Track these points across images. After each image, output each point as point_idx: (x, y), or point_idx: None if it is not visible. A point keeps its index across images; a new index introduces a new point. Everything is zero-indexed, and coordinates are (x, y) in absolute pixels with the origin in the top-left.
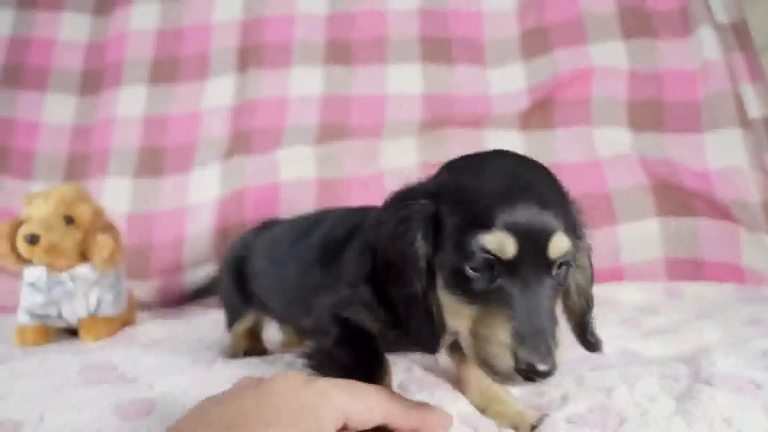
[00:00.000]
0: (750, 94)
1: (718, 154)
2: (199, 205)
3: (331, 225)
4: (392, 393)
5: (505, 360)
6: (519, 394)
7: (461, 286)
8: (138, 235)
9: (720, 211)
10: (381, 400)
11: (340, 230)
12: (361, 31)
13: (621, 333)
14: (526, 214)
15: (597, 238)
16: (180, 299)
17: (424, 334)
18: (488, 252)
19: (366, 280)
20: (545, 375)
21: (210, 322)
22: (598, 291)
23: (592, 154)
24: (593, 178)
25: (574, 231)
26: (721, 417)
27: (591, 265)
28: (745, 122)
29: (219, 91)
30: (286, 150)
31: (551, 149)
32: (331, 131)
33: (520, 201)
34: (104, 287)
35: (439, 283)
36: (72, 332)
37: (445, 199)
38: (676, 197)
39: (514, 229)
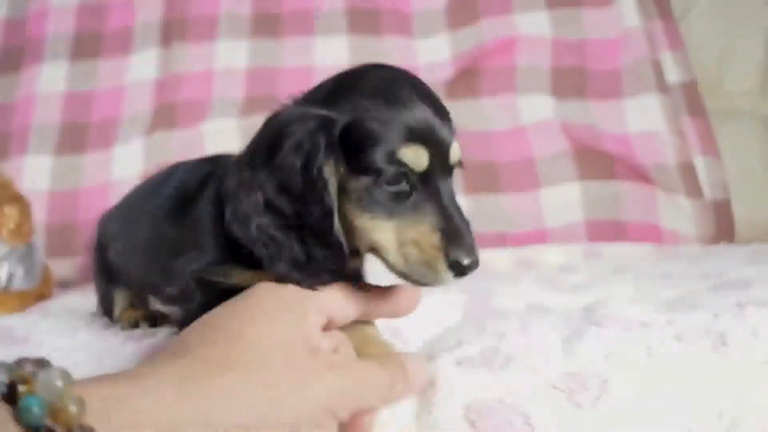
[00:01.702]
0: (668, 61)
1: (638, 119)
2: (123, 180)
3: (182, 176)
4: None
5: (440, 262)
6: (424, 343)
7: (377, 202)
8: (60, 213)
9: (639, 174)
10: (355, 298)
11: (192, 180)
12: (288, 3)
13: (535, 290)
14: (433, 126)
15: (521, 202)
16: None
17: (332, 261)
18: (404, 165)
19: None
20: (473, 268)
21: None
22: (522, 253)
23: (516, 121)
24: (518, 144)
25: None
26: (602, 352)
27: None
28: (663, 88)
29: (143, 66)
30: (212, 123)
31: (477, 118)
32: (257, 103)
33: (426, 114)
34: (14, 261)
35: (353, 206)
36: None
37: (355, 117)
38: (597, 161)
39: (426, 141)
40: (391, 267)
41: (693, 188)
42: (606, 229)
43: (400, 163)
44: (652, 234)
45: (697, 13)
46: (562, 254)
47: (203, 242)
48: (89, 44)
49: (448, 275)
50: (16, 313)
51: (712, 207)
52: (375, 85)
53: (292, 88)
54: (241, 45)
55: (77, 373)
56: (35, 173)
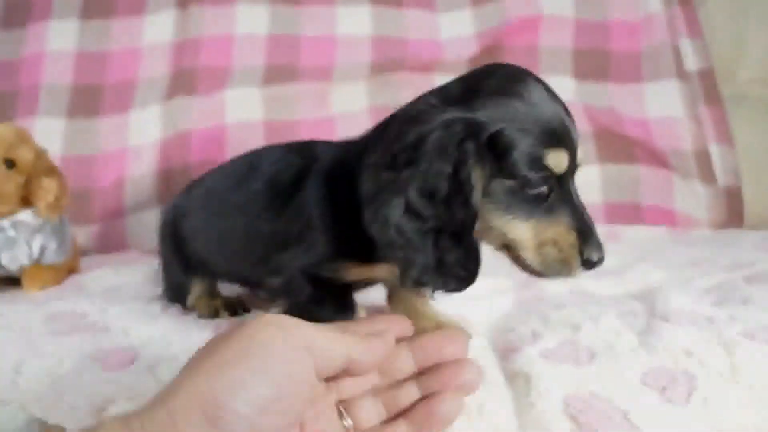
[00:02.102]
0: (687, 48)
1: (657, 104)
2: (140, 146)
3: (270, 169)
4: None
5: (575, 258)
6: (489, 330)
7: (518, 204)
8: (75, 179)
9: (657, 158)
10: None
11: (284, 174)
12: None
13: None
14: (569, 128)
15: None
16: (121, 244)
17: (466, 265)
18: (548, 169)
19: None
20: (601, 263)
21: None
22: None
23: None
24: None
25: None
26: (682, 349)
27: None
28: (682, 74)
29: (159, 28)
30: (233, 91)
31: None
32: (279, 72)
33: (562, 116)
34: (48, 234)
35: (493, 207)
36: (12, 281)
37: (500, 124)
38: (617, 144)
39: (566, 145)
40: (526, 264)
41: (707, 174)
42: (623, 212)
43: (545, 168)
44: (666, 217)
45: (715, 1)
46: None
47: (312, 237)
48: (100, 3)
49: (579, 270)
50: (49, 287)
51: (725, 193)
52: (510, 87)
53: (314, 57)
54: (261, 11)
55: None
56: (46, 136)
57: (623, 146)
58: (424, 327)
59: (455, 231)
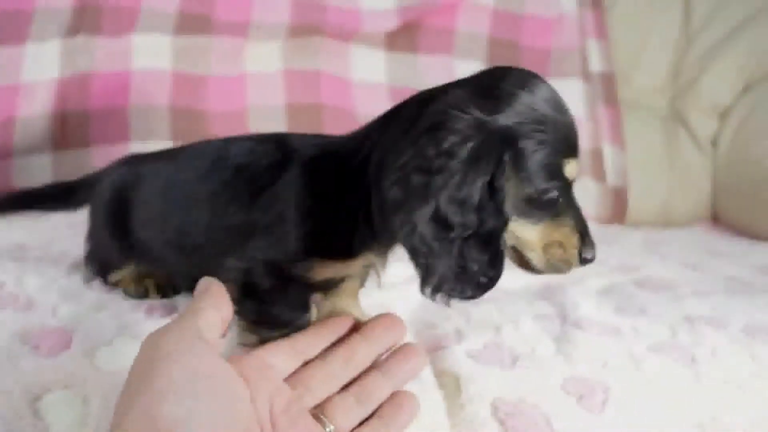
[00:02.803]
0: (593, 49)
1: None
2: (35, 83)
3: (240, 160)
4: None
5: (575, 258)
6: (416, 329)
7: (532, 209)
8: None
9: None
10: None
11: (256, 166)
12: None
13: None
14: (578, 136)
15: None
16: (7, 187)
17: (491, 272)
18: (564, 177)
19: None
20: (594, 260)
21: (63, 224)
22: None
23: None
24: None
25: None
26: (596, 360)
27: None
28: (586, 75)
29: None
30: (142, 36)
31: (414, 74)
32: (192, 22)
33: (574, 125)
34: None
35: (507, 211)
36: None
37: (517, 132)
38: None
39: (577, 155)
40: (526, 263)
41: (599, 173)
42: None
43: (561, 177)
44: None
45: (622, 6)
46: None
47: (283, 231)
48: None
49: (572, 268)
50: None
51: (613, 192)
52: (527, 94)
53: (230, 11)
54: None
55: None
56: None
57: None
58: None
59: (484, 239)
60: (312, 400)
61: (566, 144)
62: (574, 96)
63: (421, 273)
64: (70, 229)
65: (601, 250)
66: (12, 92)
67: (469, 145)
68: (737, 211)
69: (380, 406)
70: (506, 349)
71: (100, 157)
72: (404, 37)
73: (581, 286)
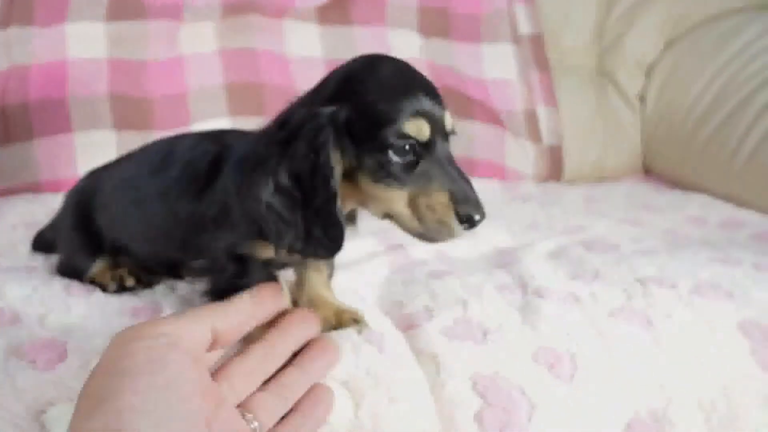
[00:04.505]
0: (521, 13)
1: (494, 66)
2: None
3: (185, 157)
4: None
5: (452, 218)
6: (385, 308)
7: (390, 175)
8: None
9: (492, 117)
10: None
11: (199, 162)
12: None
13: None
14: (427, 100)
15: None
16: None
17: (332, 237)
18: (409, 137)
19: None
20: (482, 220)
21: (20, 224)
22: None
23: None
24: None
25: None
26: (561, 329)
27: None
28: (516, 39)
29: None
30: (75, 24)
31: (348, 46)
32: (124, 8)
33: (419, 91)
34: None
35: (367, 180)
36: None
37: (353, 104)
38: (457, 101)
39: (424, 114)
40: (408, 230)
41: (534, 134)
42: (460, 165)
43: (406, 136)
44: (497, 171)
45: None
46: None
47: (231, 220)
48: None
49: (460, 229)
50: None
51: (548, 151)
52: (368, 70)
53: None
54: None
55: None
56: None
57: (463, 103)
58: (324, 316)
59: (319, 207)
60: (235, 397)
61: (405, 105)
62: (506, 60)
63: (272, 237)
64: (28, 229)
65: (543, 211)
66: None
67: (301, 130)
68: (667, 164)
69: (299, 401)
70: (475, 324)
71: (44, 150)
72: (337, 10)
73: (531, 250)
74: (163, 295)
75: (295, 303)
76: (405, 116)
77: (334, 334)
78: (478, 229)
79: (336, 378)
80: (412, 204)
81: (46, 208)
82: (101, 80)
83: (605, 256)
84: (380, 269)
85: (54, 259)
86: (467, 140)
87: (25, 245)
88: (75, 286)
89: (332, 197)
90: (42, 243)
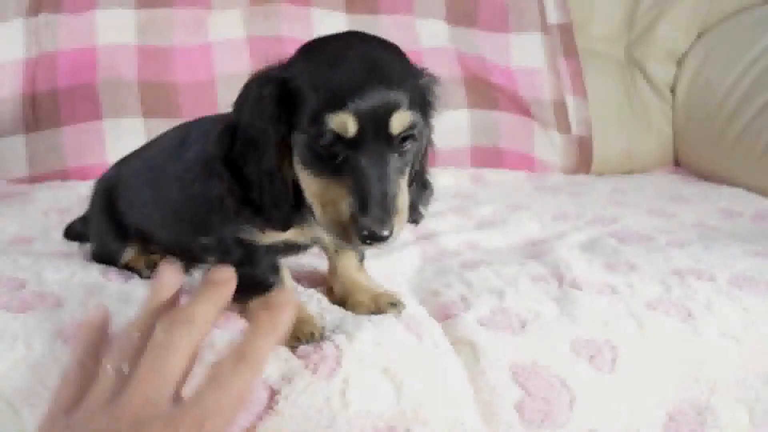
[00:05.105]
0: (550, 2)
1: (522, 55)
2: (1, 65)
3: (204, 138)
4: None
5: (350, 225)
6: (421, 296)
7: (314, 161)
8: None
9: (520, 106)
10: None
11: (210, 144)
12: None
13: (457, 223)
14: (367, 94)
15: None
16: None
17: (278, 208)
18: (333, 131)
19: (223, 162)
20: (382, 239)
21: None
22: None
23: (414, 43)
24: None
25: (421, 108)
26: (599, 320)
27: (426, 143)
28: (545, 27)
29: None
30: (105, 11)
31: (376, 34)
32: None
33: (363, 82)
34: None
35: (296, 159)
36: None
37: (298, 80)
38: (483, 91)
39: (354, 110)
40: (319, 223)
41: (563, 124)
42: (487, 156)
43: (326, 127)
44: (525, 162)
45: None
46: (451, 177)
47: (232, 204)
48: None
49: (357, 241)
50: None
51: (577, 141)
52: (327, 49)
53: None
54: None
55: None
56: None
57: (489, 93)
58: (361, 300)
59: (268, 175)
60: None
61: (335, 96)
62: (534, 49)
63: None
64: (60, 215)
65: (572, 202)
66: None
67: (249, 94)
68: (697, 156)
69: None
70: (513, 314)
71: (73, 136)
72: None
73: (563, 241)
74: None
75: (331, 290)
76: (331, 107)
77: (375, 319)
78: (386, 246)
79: (377, 365)
80: (322, 197)
81: (75, 195)
82: (130, 67)
83: (639, 248)
84: (412, 258)
85: (87, 247)
86: (494, 130)
87: (58, 231)
88: (112, 271)
89: (273, 167)
90: (73, 234)
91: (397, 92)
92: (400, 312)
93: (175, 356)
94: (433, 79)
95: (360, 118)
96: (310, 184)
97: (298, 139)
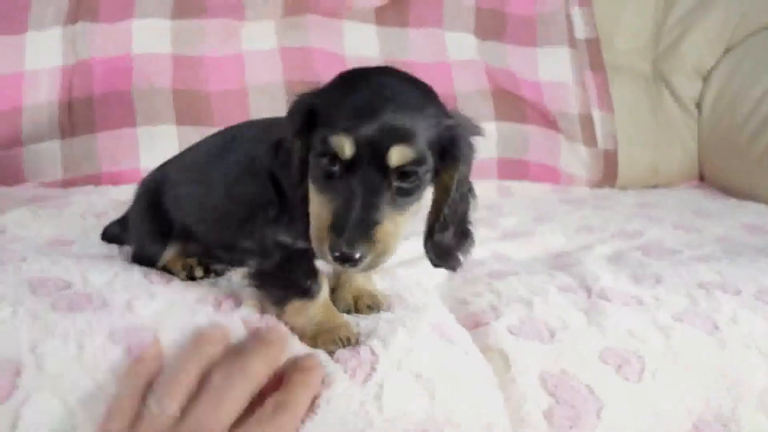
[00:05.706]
0: (578, 17)
1: (549, 69)
2: (38, 72)
3: (252, 141)
4: None
5: (325, 242)
6: (450, 305)
7: (318, 178)
8: None
9: (546, 120)
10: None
11: (260, 147)
12: None
13: (483, 234)
14: (371, 121)
15: None
16: (17, 176)
17: (300, 219)
18: (332, 151)
19: (269, 172)
20: (351, 260)
21: (89, 213)
22: None
23: (442, 56)
24: (441, 78)
25: (439, 149)
26: (626, 330)
27: (458, 188)
28: (572, 42)
29: None
30: (141, 21)
31: (404, 47)
32: (189, 5)
33: (371, 110)
34: None
35: (309, 175)
36: None
37: (320, 103)
38: (511, 104)
39: (354, 134)
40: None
41: (589, 137)
42: (513, 168)
43: (330, 149)
44: (551, 175)
45: None
46: (478, 189)
47: (275, 208)
48: None
49: (330, 259)
50: None
51: (603, 155)
52: (354, 81)
53: None
54: None
55: None
56: None
57: (516, 106)
58: (343, 296)
59: (291, 186)
60: None
61: (342, 120)
62: (562, 63)
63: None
64: (96, 218)
65: (597, 215)
66: (16, 81)
67: (289, 113)
68: (722, 172)
69: None
70: (542, 323)
71: (107, 143)
72: (394, 11)
73: (589, 253)
74: (240, 285)
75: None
76: (336, 128)
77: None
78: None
79: (411, 370)
80: (316, 212)
81: (108, 199)
82: (165, 75)
83: (664, 261)
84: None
85: (127, 249)
86: (521, 142)
87: (96, 234)
88: (154, 273)
89: (293, 174)
90: (110, 237)
91: (404, 126)
92: (378, 312)
93: (231, 403)
94: (463, 129)
95: (358, 142)
96: (312, 199)
97: (311, 158)
